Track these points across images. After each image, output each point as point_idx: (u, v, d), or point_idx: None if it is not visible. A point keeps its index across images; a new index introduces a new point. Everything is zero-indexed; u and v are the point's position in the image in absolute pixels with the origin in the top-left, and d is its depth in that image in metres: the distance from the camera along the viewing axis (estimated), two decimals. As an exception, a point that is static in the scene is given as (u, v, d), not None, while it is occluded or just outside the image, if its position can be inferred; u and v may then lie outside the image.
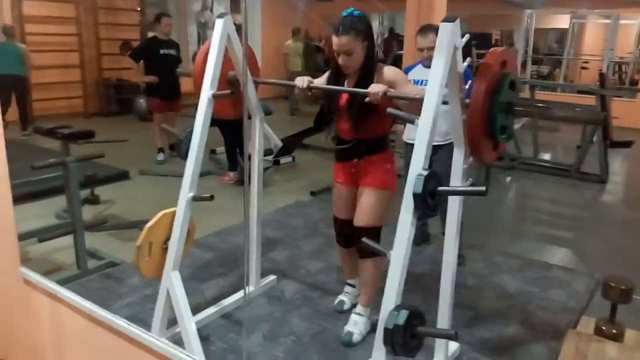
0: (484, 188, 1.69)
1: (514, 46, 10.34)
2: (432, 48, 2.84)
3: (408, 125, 2.73)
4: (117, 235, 3.83)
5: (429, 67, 2.91)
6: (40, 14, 7.86)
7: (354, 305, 2.62)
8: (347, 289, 2.74)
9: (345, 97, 2.35)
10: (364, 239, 1.93)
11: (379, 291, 2.21)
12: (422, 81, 3.03)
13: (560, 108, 2.09)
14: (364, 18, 2.24)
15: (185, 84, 5.73)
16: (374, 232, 2.37)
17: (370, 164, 2.38)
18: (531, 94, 7.20)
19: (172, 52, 5.67)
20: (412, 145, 2.47)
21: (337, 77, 2.36)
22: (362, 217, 2.38)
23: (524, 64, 10.83)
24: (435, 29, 2.88)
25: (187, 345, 2.16)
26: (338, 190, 2.54)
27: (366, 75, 2.27)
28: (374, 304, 2.47)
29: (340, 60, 2.25)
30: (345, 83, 2.34)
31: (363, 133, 2.33)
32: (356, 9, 2.25)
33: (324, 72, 2.53)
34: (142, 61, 5.69)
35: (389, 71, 2.31)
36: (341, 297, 2.72)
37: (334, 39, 2.21)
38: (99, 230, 3.76)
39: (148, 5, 9.38)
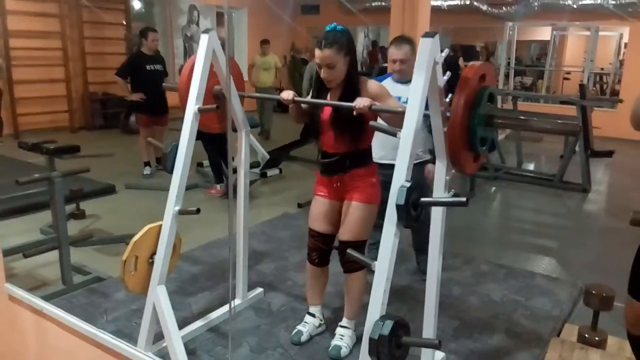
0: (465, 199, 1.73)
1: (491, 58, 10.44)
2: (403, 61, 2.89)
3: (377, 143, 2.66)
4: (102, 250, 3.81)
5: (398, 81, 2.95)
6: (24, 28, 7.84)
7: (311, 337, 2.56)
8: (307, 318, 2.60)
9: (328, 110, 2.35)
10: (349, 250, 1.96)
11: (363, 306, 2.24)
12: None
13: (540, 119, 2.15)
14: (346, 33, 2.27)
15: (172, 98, 5.75)
16: (360, 246, 2.37)
17: (356, 178, 2.37)
18: (514, 105, 7.32)
19: (159, 67, 5.68)
20: (379, 164, 2.50)
21: (320, 90, 2.38)
22: (349, 232, 2.37)
23: (506, 76, 11.00)
24: (409, 42, 2.92)
25: (174, 360, 2.16)
26: (319, 202, 2.49)
27: (350, 88, 2.29)
28: (360, 316, 2.49)
29: (322, 74, 2.27)
30: (329, 96, 2.36)
31: (347, 146, 2.34)
32: (340, 24, 2.29)
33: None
34: (128, 77, 5.69)
35: (373, 85, 2.34)
36: (299, 327, 2.58)
37: (317, 52, 2.23)
38: (85, 245, 3.74)
39: (134, 19, 9.41)
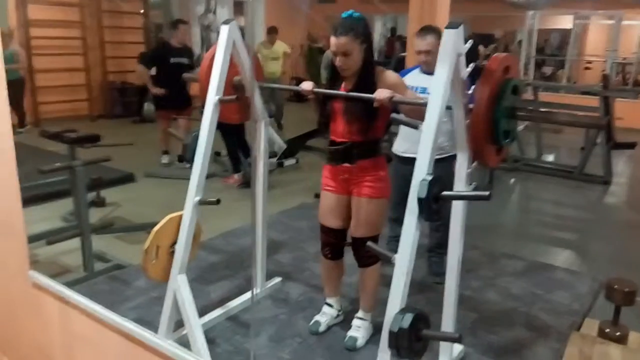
0: (487, 193, 1.71)
1: (510, 48, 10.21)
2: (428, 52, 2.83)
3: (401, 136, 2.64)
4: (123, 238, 3.86)
5: (425, 72, 2.90)
6: (44, 17, 7.92)
7: (329, 327, 2.57)
8: (325, 309, 2.62)
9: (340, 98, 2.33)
10: (369, 243, 1.95)
11: (379, 298, 2.25)
12: (417, 88, 2.89)
13: (563, 111, 2.11)
14: (363, 20, 2.22)
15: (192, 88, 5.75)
16: (373, 241, 2.30)
17: (363, 171, 2.34)
18: (534, 96, 7.21)
19: (184, 60, 5.56)
20: (402, 157, 2.48)
21: (334, 79, 2.34)
22: (361, 228, 2.37)
23: (526, 65, 10.83)
24: (434, 31, 2.83)
25: (194, 348, 2.18)
26: (327, 197, 2.46)
27: (365, 78, 2.25)
28: (375, 308, 2.50)
29: (337, 62, 2.22)
30: (343, 85, 2.32)
31: (356, 136, 2.30)
32: (357, 11, 2.24)
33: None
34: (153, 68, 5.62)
35: (391, 76, 2.29)
36: (317, 317, 2.59)
37: (332, 40, 2.19)
38: (106, 233, 3.79)
39: (152, 8, 9.43)
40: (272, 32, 7.86)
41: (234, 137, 5.10)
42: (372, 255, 2.36)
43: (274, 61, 7.83)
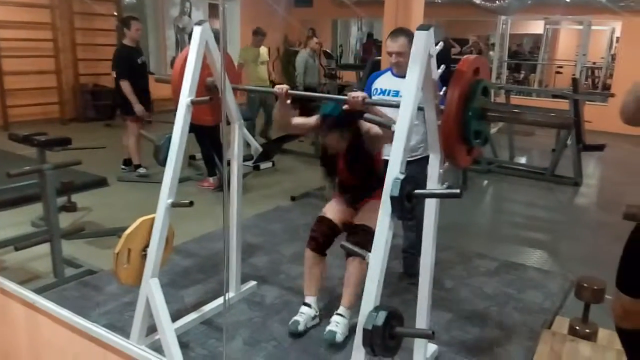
0: (458, 190, 1.73)
1: (482, 53, 10.35)
2: (399, 53, 2.83)
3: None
4: (94, 243, 3.79)
5: (397, 75, 2.91)
6: (14, 19, 7.75)
7: (307, 328, 2.58)
8: (303, 309, 2.62)
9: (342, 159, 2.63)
10: (343, 242, 1.96)
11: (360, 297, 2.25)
12: (389, 91, 2.92)
13: (532, 112, 2.16)
14: (338, 113, 2.46)
15: (162, 90, 5.63)
16: (370, 237, 2.35)
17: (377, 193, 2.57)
18: (507, 99, 7.33)
19: (144, 59, 5.49)
20: (385, 161, 2.53)
21: (329, 162, 2.70)
22: (365, 219, 2.53)
23: (499, 69, 11.01)
24: (406, 33, 2.82)
25: (167, 352, 2.15)
26: (337, 201, 2.75)
27: (357, 152, 2.59)
28: (356, 306, 2.49)
29: (331, 150, 2.63)
30: (341, 163, 2.64)
31: (360, 181, 2.63)
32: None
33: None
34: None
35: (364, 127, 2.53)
36: (296, 317, 2.59)
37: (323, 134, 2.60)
38: (76, 238, 3.71)
39: (125, 10, 9.31)
40: (258, 34, 6.93)
41: (208, 140, 5.05)
42: (365, 241, 2.34)
43: (262, 66, 6.89)
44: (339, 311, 2.54)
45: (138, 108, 5.22)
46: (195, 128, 4.20)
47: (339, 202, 2.74)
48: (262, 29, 7.03)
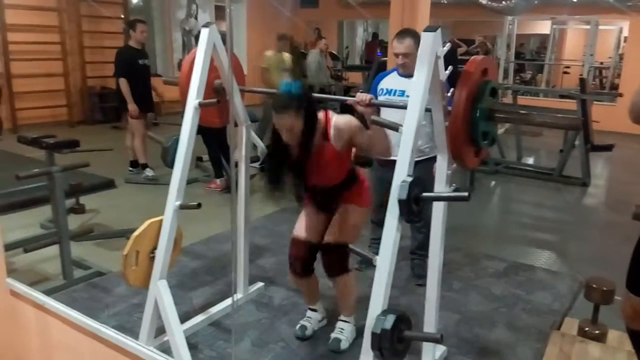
0: (466, 194, 1.72)
1: (489, 54, 10.34)
2: (406, 55, 2.83)
3: None
4: (103, 245, 3.81)
5: (403, 75, 2.91)
6: (23, 22, 7.81)
7: (316, 333, 2.56)
8: (310, 313, 2.60)
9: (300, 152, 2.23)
10: (350, 246, 1.96)
11: (361, 301, 2.25)
12: (395, 91, 2.91)
13: (540, 113, 2.14)
14: (299, 90, 2.11)
15: (169, 92, 5.63)
16: (345, 248, 2.26)
17: (348, 196, 2.38)
18: (514, 99, 7.31)
19: (147, 61, 5.50)
20: (381, 160, 2.49)
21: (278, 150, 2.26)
22: (336, 233, 2.32)
23: (506, 70, 10.97)
24: (412, 34, 2.81)
25: (176, 354, 2.16)
26: (310, 212, 2.45)
27: (308, 134, 2.16)
28: (354, 313, 2.50)
29: (284, 137, 2.15)
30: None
31: (331, 181, 2.32)
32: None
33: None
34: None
35: (345, 126, 2.19)
36: (303, 322, 2.57)
37: (274, 116, 2.13)
38: (85, 239, 3.74)
39: (132, 13, 9.37)
40: (282, 39, 6.78)
41: (216, 142, 5.06)
42: (341, 265, 2.35)
43: (285, 73, 6.46)
44: (341, 317, 2.51)
45: (132, 107, 5.23)
46: (202, 130, 4.18)
47: (310, 211, 2.45)
48: (286, 34, 6.87)
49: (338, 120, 2.20)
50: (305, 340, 2.51)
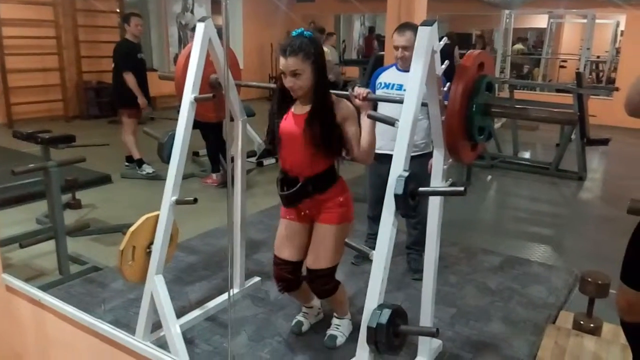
0: (462, 188, 1.73)
1: (486, 48, 10.34)
2: (406, 47, 2.83)
3: (377, 133, 2.58)
4: (99, 240, 3.81)
5: (401, 70, 2.91)
6: (17, 16, 7.76)
7: (312, 326, 2.56)
8: (305, 309, 2.58)
9: (290, 123, 2.13)
10: (347, 240, 1.96)
11: (361, 298, 2.24)
12: (392, 85, 2.91)
13: (537, 108, 2.13)
14: (314, 40, 2.05)
15: (165, 86, 5.61)
16: (331, 272, 2.24)
17: (324, 200, 2.19)
18: (510, 94, 7.31)
19: (143, 56, 5.49)
20: (377, 154, 2.47)
21: (282, 101, 2.16)
22: (319, 259, 2.21)
23: (502, 64, 10.96)
24: (413, 27, 2.79)
25: (172, 349, 2.16)
26: (286, 225, 2.29)
27: (321, 102, 2.06)
28: (349, 310, 2.52)
29: (286, 82, 2.04)
30: (293, 109, 2.15)
31: (311, 168, 2.13)
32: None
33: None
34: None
35: (347, 107, 2.10)
36: (299, 317, 2.56)
37: (281, 60, 2.02)
38: (81, 235, 3.73)
39: (127, 7, 9.31)
40: (330, 35, 6.62)
41: (215, 137, 5.04)
42: (328, 289, 2.28)
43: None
44: (336, 316, 2.51)
45: (142, 100, 5.23)
46: (200, 124, 4.17)
47: (290, 225, 2.28)
48: (323, 28, 6.67)
49: (338, 99, 2.12)
50: (301, 335, 2.52)
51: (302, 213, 2.26)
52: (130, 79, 5.20)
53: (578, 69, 9.34)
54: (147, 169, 5.43)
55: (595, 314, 2.59)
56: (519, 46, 12.81)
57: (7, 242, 3.21)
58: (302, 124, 2.08)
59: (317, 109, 2.06)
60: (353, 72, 10.93)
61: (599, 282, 2.53)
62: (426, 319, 2.22)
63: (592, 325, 2.55)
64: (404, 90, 2.70)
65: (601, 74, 12.00)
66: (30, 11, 7.98)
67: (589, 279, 2.55)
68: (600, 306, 2.59)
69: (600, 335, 2.55)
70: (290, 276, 2.29)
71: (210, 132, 4.93)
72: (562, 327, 2.59)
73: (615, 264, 1.89)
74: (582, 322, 2.57)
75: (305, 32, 2.05)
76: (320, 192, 2.17)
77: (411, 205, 1.73)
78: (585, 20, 10.34)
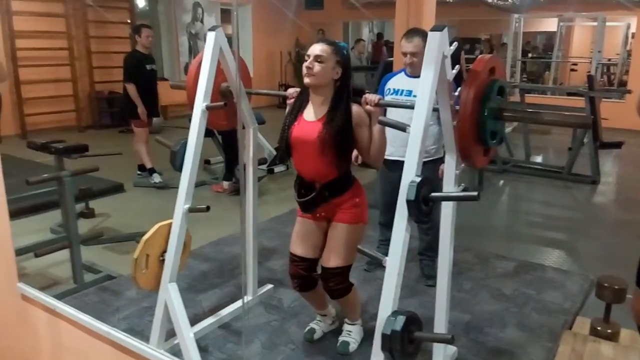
0: (475, 193, 1.72)
1: (493, 52, 10.33)
2: (414, 54, 2.83)
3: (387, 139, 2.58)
4: (113, 249, 3.83)
5: (410, 75, 2.91)
6: (30, 29, 7.87)
7: (325, 334, 2.55)
8: (319, 317, 2.59)
9: (303, 130, 2.15)
10: (359, 247, 1.96)
11: (374, 303, 2.23)
12: (402, 91, 2.91)
13: (549, 112, 2.11)
14: (347, 50, 2.17)
15: (176, 96, 5.64)
16: (345, 271, 2.26)
17: (340, 202, 2.22)
18: (521, 97, 7.26)
19: (154, 66, 5.52)
20: (388, 160, 2.46)
21: (302, 101, 2.22)
22: (333, 257, 2.23)
23: (512, 68, 10.92)
24: (421, 33, 2.81)
25: (186, 357, 2.17)
26: (303, 223, 2.33)
27: (345, 105, 2.11)
28: (361, 315, 2.51)
29: (306, 64, 2.08)
30: (304, 115, 2.19)
31: (327, 174, 2.16)
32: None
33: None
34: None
35: (358, 112, 2.13)
36: (312, 324, 2.56)
37: (312, 47, 2.11)
38: (95, 243, 3.76)
39: (138, 17, 9.41)
40: (358, 42, 6.75)
41: (233, 144, 5.05)
42: (342, 289, 2.28)
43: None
44: (348, 321, 2.50)
45: (141, 110, 5.26)
46: (221, 133, 4.16)
47: (305, 223, 2.32)
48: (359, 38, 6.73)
49: (359, 107, 2.13)
50: (314, 342, 2.51)
51: (318, 214, 2.29)
52: (131, 89, 5.26)
53: (589, 71, 9.27)
54: (156, 179, 5.44)
55: (612, 319, 2.55)
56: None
57: (22, 251, 3.24)
58: (317, 131, 2.10)
59: (336, 113, 2.10)
60: (359, 78, 10.94)
61: (616, 287, 2.49)
62: (440, 325, 2.20)
63: (609, 330, 2.51)
64: (413, 96, 2.70)
65: (613, 76, 11.89)
66: (43, 23, 8.09)
67: (605, 284, 2.52)
68: (617, 311, 2.55)
69: (617, 341, 2.51)
70: (304, 273, 2.32)
71: (233, 140, 4.92)
72: (578, 333, 2.55)
73: (632, 268, 1.87)
74: (599, 328, 2.53)
75: (341, 43, 2.19)
76: (337, 196, 2.21)
77: (424, 210, 1.73)
78: (595, 23, 10.28)
